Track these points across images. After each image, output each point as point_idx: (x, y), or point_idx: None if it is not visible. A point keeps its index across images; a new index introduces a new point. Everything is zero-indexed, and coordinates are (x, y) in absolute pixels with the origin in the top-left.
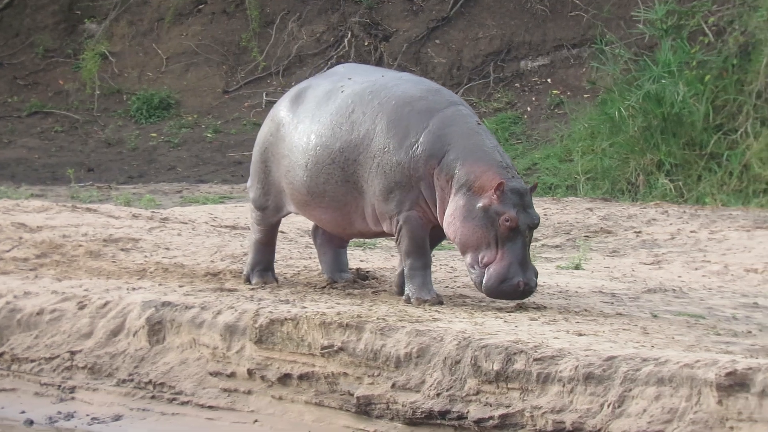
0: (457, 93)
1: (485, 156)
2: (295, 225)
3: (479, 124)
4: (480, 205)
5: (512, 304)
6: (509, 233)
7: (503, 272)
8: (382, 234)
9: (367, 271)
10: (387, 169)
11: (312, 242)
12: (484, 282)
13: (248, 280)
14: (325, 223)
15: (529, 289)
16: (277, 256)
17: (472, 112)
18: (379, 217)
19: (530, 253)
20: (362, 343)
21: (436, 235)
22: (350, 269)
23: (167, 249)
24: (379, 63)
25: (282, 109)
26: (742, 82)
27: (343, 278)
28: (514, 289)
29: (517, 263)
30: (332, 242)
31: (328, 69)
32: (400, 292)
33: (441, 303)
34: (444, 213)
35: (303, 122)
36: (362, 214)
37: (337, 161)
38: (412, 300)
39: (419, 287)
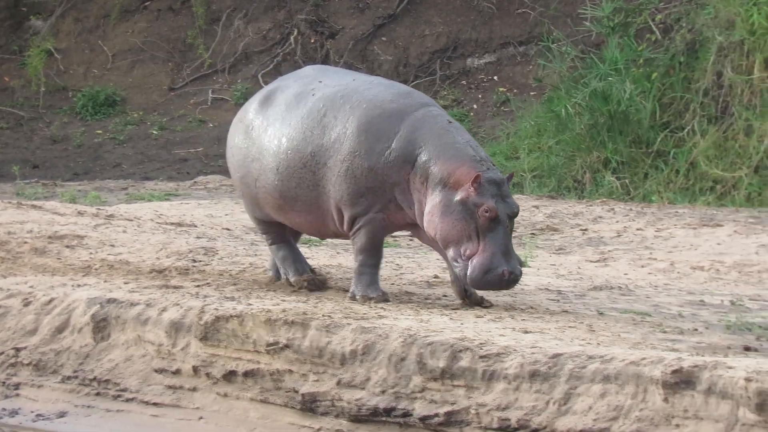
0: None
1: (458, 152)
2: (241, 222)
3: (450, 122)
4: (458, 198)
5: (459, 300)
6: (489, 224)
7: (487, 263)
8: None
9: (312, 269)
10: (358, 173)
11: (259, 239)
12: (468, 274)
13: (288, 282)
14: (301, 226)
15: (514, 277)
16: (222, 253)
17: (444, 112)
18: (344, 219)
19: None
20: (307, 340)
21: None
22: None
23: (112, 246)
24: (325, 60)
25: (250, 112)
26: (689, 79)
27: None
28: (500, 278)
29: (500, 253)
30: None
31: (274, 66)
32: (461, 295)
33: (387, 300)
34: (422, 214)
35: (273, 125)
36: (333, 217)
37: (309, 165)
38: (357, 297)
39: (366, 285)
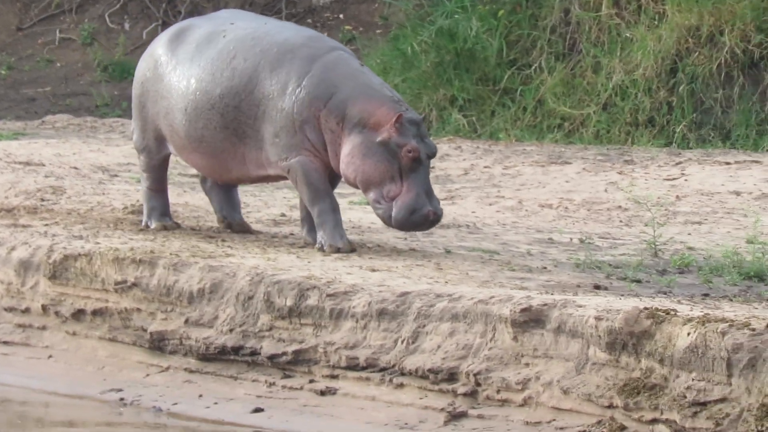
0: None
1: (375, 93)
2: (89, 161)
3: (362, 65)
4: (379, 139)
5: (307, 239)
6: (412, 164)
7: (412, 203)
8: (264, 179)
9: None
10: (273, 114)
11: (106, 178)
12: (393, 215)
13: (147, 227)
14: (202, 168)
15: (437, 218)
16: (70, 192)
17: (354, 56)
18: (265, 162)
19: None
20: (155, 278)
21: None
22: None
23: None
24: (171, 0)
25: (160, 47)
26: (536, 17)
27: (236, 219)
28: (425, 219)
29: (423, 193)
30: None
31: (121, 6)
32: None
33: (353, 250)
34: (336, 156)
35: (183, 64)
36: (241, 159)
37: (217, 107)
38: (324, 247)
39: (331, 234)
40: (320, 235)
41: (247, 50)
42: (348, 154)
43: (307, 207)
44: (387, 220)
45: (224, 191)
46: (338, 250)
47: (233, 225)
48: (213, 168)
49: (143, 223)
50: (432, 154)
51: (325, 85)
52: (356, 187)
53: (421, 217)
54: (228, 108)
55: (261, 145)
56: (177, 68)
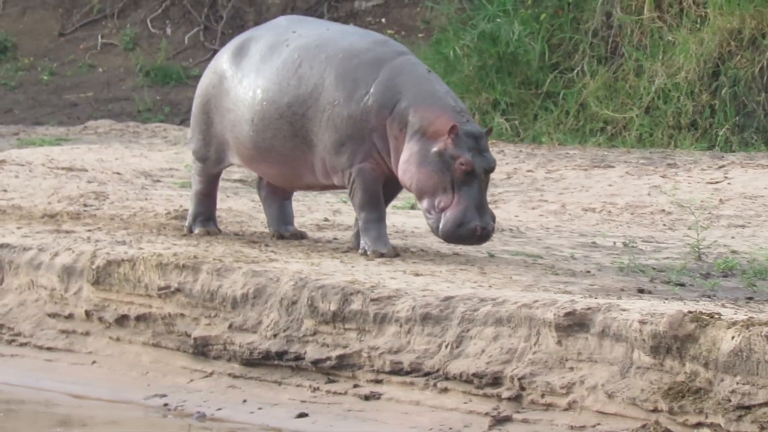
0: None
1: (438, 101)
2: (131, 166)
3: (429, 71)
4: (435, 149)
5: (349, 244)
6: (465, 177)
7: (460, 217)
8: (331, 187)
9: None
10: (338, 122)
11: (149, 183)
12: (440, 227)
13: (190, 231)
14: (272, 177)
15: (486, 233)
16: (113, 197)
17: (420, 61)
18: (330, 170)
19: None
20: (199, 284)
21: (391, 190)
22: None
23: (5, 191)
24: (213, 5)
25: (224, 62)
26: (578, 20)
27: (288, 231)
28: (472, 233)
29: (473, 207)
30: (277, 194)
31: (162, 11)
32: (357, 245)
33: (397, 255)
34: (398, 162)
35: (248, 76)
36: (311, 167)
37: (285, 116)
38: (368, 252)
39: (375, 240)
40: (364, 241)
41: (312, 57)
42: (405, 161)
43: (355, 210)
44: (435, 231)
45: (277, 204)
46: (382, 255)
47: (285, 237)
48: (285, 176)
49: (186, 228)
50: (490, 169)
51: (391, 92)
52: (412, 192)
53: (468, 231)
54: (296, 116)
55: (323, 154)
56: (243, 81)
